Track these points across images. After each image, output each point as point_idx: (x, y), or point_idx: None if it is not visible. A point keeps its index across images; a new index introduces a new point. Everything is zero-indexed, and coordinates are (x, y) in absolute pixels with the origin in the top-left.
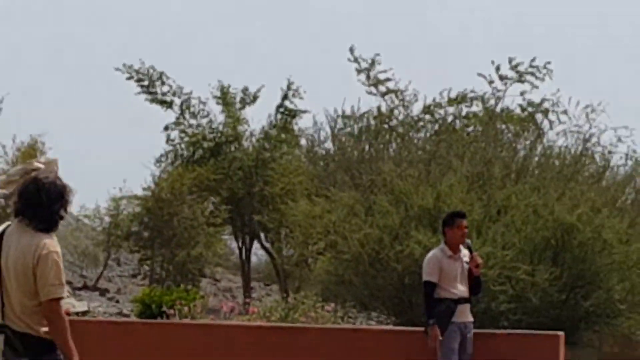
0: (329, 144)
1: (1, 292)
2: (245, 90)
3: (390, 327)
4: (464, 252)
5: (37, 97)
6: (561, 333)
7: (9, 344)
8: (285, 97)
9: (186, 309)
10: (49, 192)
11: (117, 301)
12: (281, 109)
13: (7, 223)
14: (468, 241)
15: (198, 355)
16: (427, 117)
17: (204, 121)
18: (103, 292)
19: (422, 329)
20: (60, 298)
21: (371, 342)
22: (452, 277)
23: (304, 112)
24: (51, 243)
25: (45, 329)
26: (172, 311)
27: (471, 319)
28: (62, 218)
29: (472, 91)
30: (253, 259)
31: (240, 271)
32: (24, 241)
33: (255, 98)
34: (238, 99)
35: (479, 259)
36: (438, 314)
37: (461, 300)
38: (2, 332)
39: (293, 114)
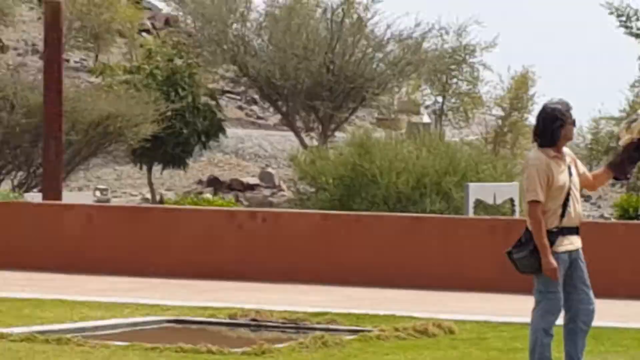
0: None
1: None
2: None
3: None
4: None
5: (529, 32)
6: None
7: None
8: None
9: None
10: (545, 114)
11: (599, 206)
12: None
13: None
14: None
15: None
16: None
17: None
18: (587, 197)
19: None
20: (532, 201)
21: None
22: None
23: None
24: (532, 155)
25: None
26: None
27: None
28: (556, 137)
29: None
30: None
31: None
32: None
33: None
34: None
35: None
36: None
37: None
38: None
39: None
